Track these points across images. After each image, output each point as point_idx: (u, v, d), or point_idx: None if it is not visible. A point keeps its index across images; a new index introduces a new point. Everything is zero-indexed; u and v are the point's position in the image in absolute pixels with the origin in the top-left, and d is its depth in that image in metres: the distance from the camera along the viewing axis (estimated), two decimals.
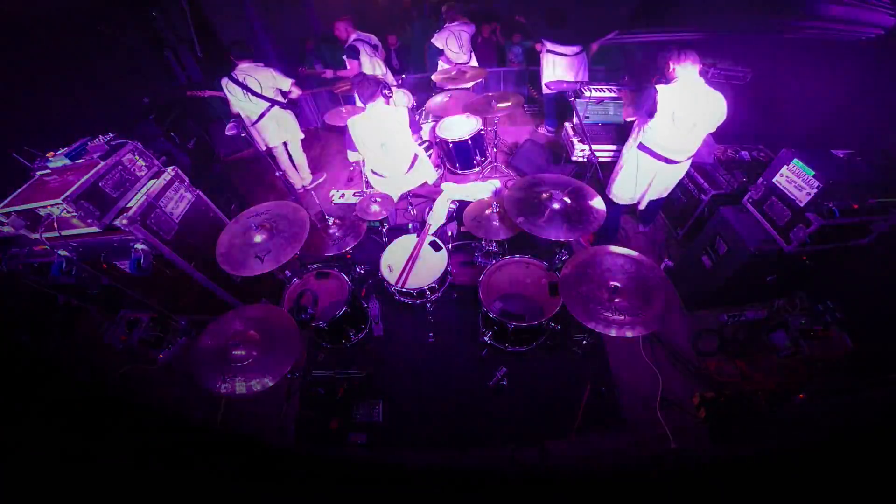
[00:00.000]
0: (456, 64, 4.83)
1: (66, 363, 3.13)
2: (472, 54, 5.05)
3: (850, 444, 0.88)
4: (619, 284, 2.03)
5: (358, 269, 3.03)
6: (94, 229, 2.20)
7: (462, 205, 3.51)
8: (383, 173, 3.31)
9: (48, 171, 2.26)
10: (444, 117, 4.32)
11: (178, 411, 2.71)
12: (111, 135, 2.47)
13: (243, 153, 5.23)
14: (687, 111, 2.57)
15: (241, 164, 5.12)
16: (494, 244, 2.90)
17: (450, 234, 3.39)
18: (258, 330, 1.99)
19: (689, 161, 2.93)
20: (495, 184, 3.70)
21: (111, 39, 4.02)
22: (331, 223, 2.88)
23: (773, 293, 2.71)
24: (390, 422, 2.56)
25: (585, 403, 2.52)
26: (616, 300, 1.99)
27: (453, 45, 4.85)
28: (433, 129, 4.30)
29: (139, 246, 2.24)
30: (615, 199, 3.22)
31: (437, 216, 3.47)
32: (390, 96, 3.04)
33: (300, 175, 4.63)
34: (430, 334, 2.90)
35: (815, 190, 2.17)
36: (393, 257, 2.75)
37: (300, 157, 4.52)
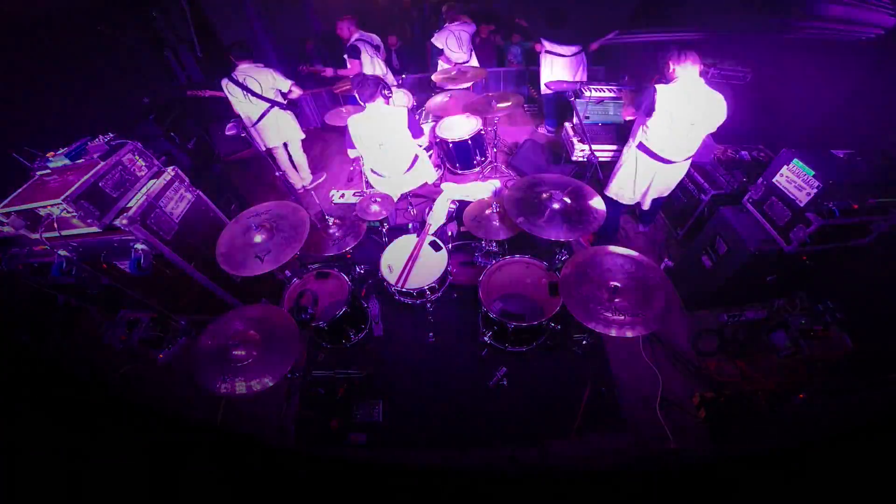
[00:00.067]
0: (456, 63, 4.83)
1: (66, 363, 3.13)
2: (473, 53, 5.05)
3: (850, 444, 0.88)
4: (619, 284, 2.03)
5: (358, 269, 3.03)
6: (94, 229, 2.20)
7: (462, 205, 3.51)
8: (382, 173, 3.31)
9: (48, 171, 2.26)
10: (444, 117, 4.33)
11: (178, 411, 2.71)
12: (111, 135, 2.47)
13: (243, 153, 5.23)
14: (685, 111, 2.57)
15: (241, 164, 5.12)
16: (494, 244, 2.90)
17: (450, 234, 3.39)
18: (258, 330, 1.99)
19: (689, 161, 2.93)
20: (495, 184, 3.70)
21: (111, 39, 4.02)
22: (331, 223, 2.88)
23: (773, 293, 2.71)
24: (390, 422, 2.56)
25: (585, 403, 2.52)
26: (616, 300, 1.99)
27: (453, 45, 4.85)
28: (433, 129, 4.30)
29: (139, 246, 2.24)
30: (614, 198, 3.22)
31: (437, 216, 3.47)
32: (390, 96, 3.03)
33: (300, 175, 4.63)
34: (430, 334, 2.90)
35: (815, 190, 2.17)
36: (393, 257, 2.75)
37: (300, 158, 4.52)
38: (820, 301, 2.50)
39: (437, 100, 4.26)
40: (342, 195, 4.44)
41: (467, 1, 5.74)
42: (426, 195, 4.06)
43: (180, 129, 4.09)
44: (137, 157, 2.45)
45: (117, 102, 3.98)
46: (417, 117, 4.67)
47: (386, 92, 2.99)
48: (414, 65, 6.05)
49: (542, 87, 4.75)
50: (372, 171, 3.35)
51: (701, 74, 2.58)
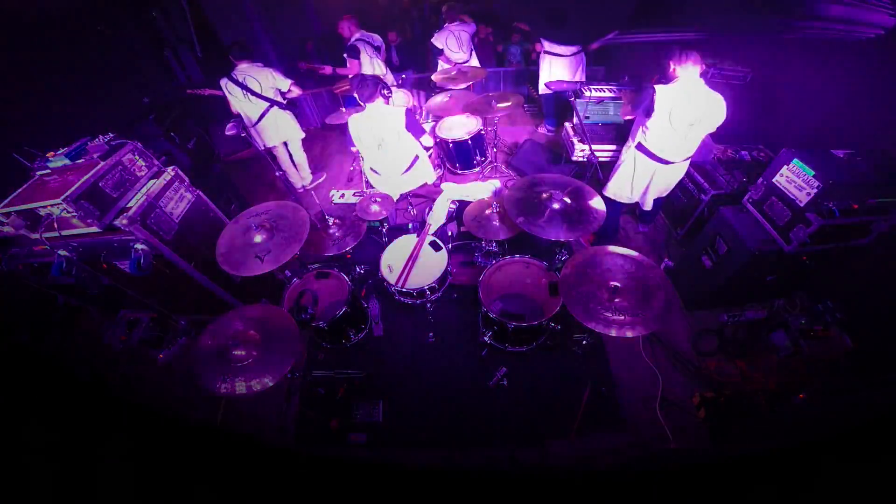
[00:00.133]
0: (456, 63, 4.83)
1: (66, 363, 3.13)
2: (473, 53, 5.05)
3: (850, 444, 0.88)
4: (619, 284, 2.03)
5: (358, 269, 3.03)
6: (94, 229, 2.20)
7: (462, 205, 3.51)
8: (381, 172, 3.32)
9: (48, 171, 2.26)
10: (444, 117, 4.33)
11: (178, 411, 2.71)
12: (111, 135, 2.47)
13: (243, 153, 5.23)
14: (685, 112, 2.57)
15: (241, 164, 5.12)
16: (494, 244, 2.90)
17: (450, 233, 3.39)
18: (258, 330, 1.99)
19: (688, 162, 2.93)
20: (495, 184, 3.70)
21: (111, 39, 4.02)
22: (331, 223, 2.88)
23: (773, 293, 2.71)
24: (390, 421, 2.56)
25: (585, 403, 2.52)
26: (616, 300, 1.99)
27: (453, 45, 4.86)
28: (433, 129, 4.30)
29: (139, 246, 2.24)
30: (613, 197, 3.23)
31: (437, 216, 3.47)
32: (389, 96, 3.04)
33: (300, 175, 4.63)
34: (430, 334, 2.90)
35: (815, 190, 2.17)
36: (393, 257, 2.75)
37: (301, 157, 4.52)
38: (820, 301, 2.50)
39: (437, 100, 4.26)
40: (342, 195, 4.44)
41: (467, 1, 5.74)
42: (426, 195, 4.07)
43: (180, 129, 4.09)
44: (137, 157, 2.45)
45: (117, 102, 3.98)
46: (418, 117, 4.67)
47: (385, 92, 2.99)
48: (414, 62, 6.05)
49: (541, 87, 4.75)
50: (371, 169, 3.36)
51: (701, 75, 2.58)
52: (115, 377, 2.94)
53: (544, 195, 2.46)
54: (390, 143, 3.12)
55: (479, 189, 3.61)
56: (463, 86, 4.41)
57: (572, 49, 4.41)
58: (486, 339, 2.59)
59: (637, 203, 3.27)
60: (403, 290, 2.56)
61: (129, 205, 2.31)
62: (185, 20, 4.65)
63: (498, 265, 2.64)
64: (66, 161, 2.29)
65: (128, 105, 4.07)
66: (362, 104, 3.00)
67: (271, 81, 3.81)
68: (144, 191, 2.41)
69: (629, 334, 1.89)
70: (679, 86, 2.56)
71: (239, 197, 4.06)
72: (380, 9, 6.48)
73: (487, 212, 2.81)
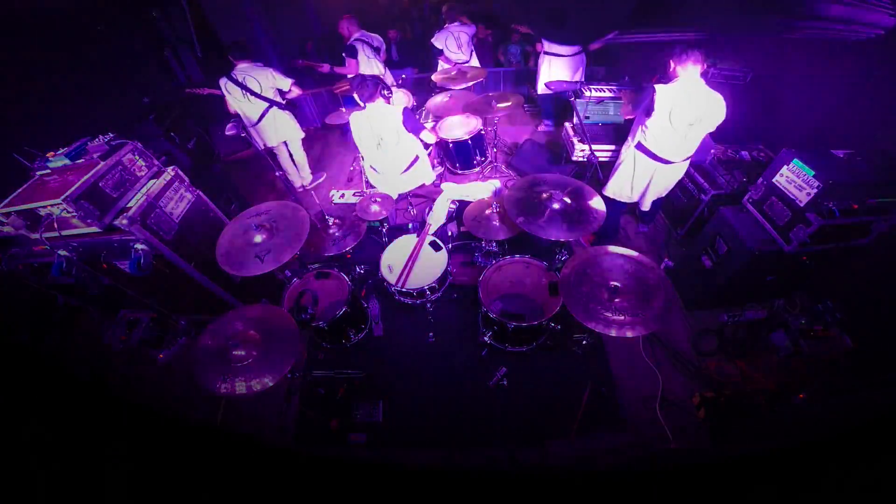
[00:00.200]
0: (456, 63, 4.83)
1: (66, 363, 3.13)
2: (473, 54, 5.05)
3: (850, 444, 0.88)
4: (619, 284, 2.03)
5: (358, 269, 3.03)
6: (94, 229, 2.20)
7: (462, 205, 3.51)
8: (380, 170, 3.32)
9: (48, 171, 2.26)
10: (444, 117, 4.33)
11: (178, 411, 2.71)
12: (111, 135, 2.47)
13: (243, 153, 5.23)
14: (684, 111, 2.57)
15: (241, 164, 5.12)
16: (494, 244, 2.90)
17: (450, 233, 3.39)
18: (258, 330, 1.99)
19: (688, 161, 2.93)
20: (495, 184, 3.70)
21: (111, 39, 4.02)
22: (331, 223, 2.88)
23: (773, 293, 2.71)
24: (390, 422, 2.56)
25: (585, 403, 2.52)
26: (616, 300, 1.99)
27: (452, 46, 4.86)
28: (433, 128, 4.30)
29: (139, 246, 2.24)
30: (613, 197, 3.23)
31: (437, 216, 3.47)
32: (390, 96, 3.04)
33: (301, 174, 4.63)
34: (430, 334, 2.90)
35: (815, 190, 2.17)
36: (393, 257, 2.75)
37: (301, 157, 4.52)
38: (820, 301, 2.50)
39: (437, 100, 4.26)
40: (342, 195, 4.44)
41: (467, 1, 5.74)
42: (426, 195, 4.07)
43: (180, 129, 4.10)
44: (137, 157, 2.45)
45: (117, 102, 3.98)
46: (418, 117, 4.67)
47: (385, 92, 3.00)
48: (414, 60, 6.04)
49: (540, 87, 4.76)
50: (371, 167, 3.36)
51: (702, 75, 2.58)
52: (115, 377, 2.94)
53: (544, 195, 2.46)
54: (389, 143, 3.12)
55: (479, 189, 3.61)
56: (463, 86, 4.41)
57: (573, 49, 4.41)
58: (486, 339, 2.59)
59: (636, 202, 3.27)
60: (403, 290, 2.56)
61: (129, 205, 2.31)
62: (185, 20, 4.66)
63: (498, 265, 2.64)
64: (66, 161, 2.29)
65: (128, 105, 4.07)
66: (361, 104, 3.00)
67: (271, 81, 3.80)
68: (144, 191, 2.41)
69: (629, 334, 1.88)
70: (679, 85, 2.56)
71: (239, 197, 4.06)
72: (380, 8, 6.49)
73: (487, 212, 2.81)
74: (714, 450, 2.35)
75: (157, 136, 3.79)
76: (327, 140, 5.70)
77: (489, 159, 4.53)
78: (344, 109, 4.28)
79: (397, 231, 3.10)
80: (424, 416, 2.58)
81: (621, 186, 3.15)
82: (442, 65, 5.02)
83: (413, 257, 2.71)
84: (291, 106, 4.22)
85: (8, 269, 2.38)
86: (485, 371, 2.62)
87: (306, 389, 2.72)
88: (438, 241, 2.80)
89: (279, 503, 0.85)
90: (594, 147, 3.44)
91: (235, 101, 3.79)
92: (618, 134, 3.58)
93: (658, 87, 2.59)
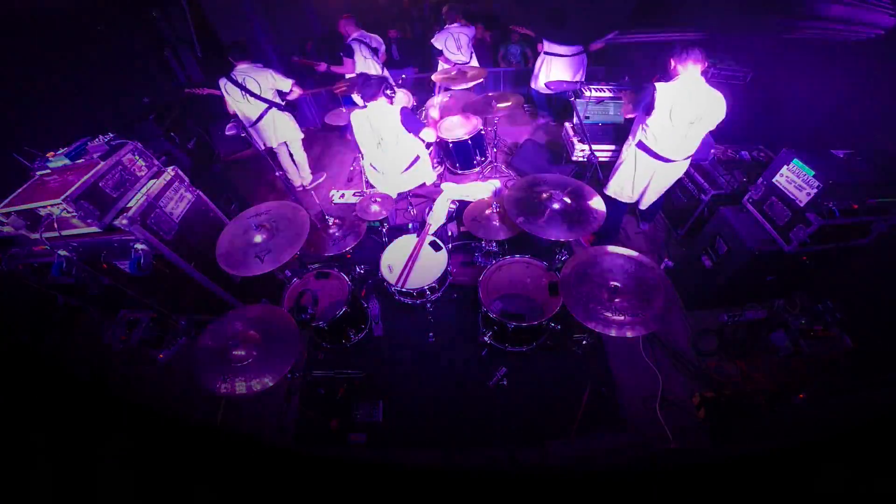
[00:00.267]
0: (455, 64, 4.83)
1: (66, 363, 3.13)
2: (473, 55, 5.05)
3: (850, 444, 0.88)
4: (619, 284, 2.03)
5: (358, 269, 3.03)
6: (94, 229, 2.20)
7: (462, 205, 3.51)
8: (380, 169, 3.32)
9: (48, 171, 2.26)
10: (444, 117, 4.32)
11: (178, 411, 2.71)
12: (111, 135, 2.47)
13: (243, 153, 5.23)
14: (685, 109, 2.57)
15: (241, 164, 5.12)
16: (494, 244, 2.90)
17: (450, 233, 3.39)
18: (258, 330, 1.99)
19: (689, 161, 2.93)
20: (495, 184, 3.70)
21: (111, 39, 4.02)
22: (331, 223, 2.88)
23: (773, 293, 2.71)
24: (390, 421, 2.56)
25: (585, 403, 2.52)
26: (616, 300, 1.99)
27: (451, 47, 4.86)
28: (434, 123, 4.30)
29: (139, 246, 2.24)
30: (614, 196, 3.23)
31: (437, 216, 3.47)
32: (393, 96, 3.04)
33: (301, 174, 4.63)
34: (430, 334, 2.90)
35: (815, 190, 2.17)
36: (393, 257, 2.75)
37: (301, 157, 4.52)
38: (820, 301, 2.50)
39: (437, 100, 4.26)
40: (342, 195, 4.44)
41: (467, 2, 5.74)
42: (426, 195, 4.06)
43: (180, 129, 4.10)
44: (137, 157, 2.45)
45: (117, 102, 3.98)
46: (419, 117, 4.67)
47: (389, 92, 2.99)
48: (414, 59, 6.04)
49: (536, 85, 4.78)
50: (371, 166, 3.36)
51: (702, 74, 2.58)
52: (115, 377, 2.94)
53: (544, 195, 2.46)
54: (389, 142, 3.12)
55: (479, 189, 3.61)
56: (463, 86, 4.42)
57: (573, 50, 4.41)
58: (486, 339, 2.59)
59: (636, 201, 3.27)
60: (403, 290, 2.55)
61: (129, 205, 2.31)
62: (185, 20, 4.65)
63: (498, 265, 2.64)
64: (66, 161, 2.29)
65: (128, 105, 4.07)
66: (363, 103, 3.00)
67: (271, 83, 3.80)
68: (144, 191, 2.41)
69: (629, 334, 1.88)
70: (680, 83, 2.56)
71: (239, 197, 4.06)
72: (380, 8, 6.49)
73: (487, 212, 2.81)
74: (714, 450, 2.35)
75: (157, 136, 3.80)
76: (327, 140, 5.70)
77: (489, 159, 4.53)
78: (344, 109, 4.27)
79: (397, 231, 3.10)
80: (424, 416, 2.58)
81: (622, 186, 3.15)
82: (442, 65, 5.03)
83: (413, 257, 2.71)
84: (291, 107, 4.22)
85: (8, 269, 2.38)
86: (485, 371, 2.62)
87: (306, 389, 2.72)
88: (438, 241, 2.80)
89: (279, 503, 0.85)
90: (594, 147, 3.44)
91: (234, 101, 3.79)
92: (618, 134, 3.59)
93: (658, 85, 2.59)
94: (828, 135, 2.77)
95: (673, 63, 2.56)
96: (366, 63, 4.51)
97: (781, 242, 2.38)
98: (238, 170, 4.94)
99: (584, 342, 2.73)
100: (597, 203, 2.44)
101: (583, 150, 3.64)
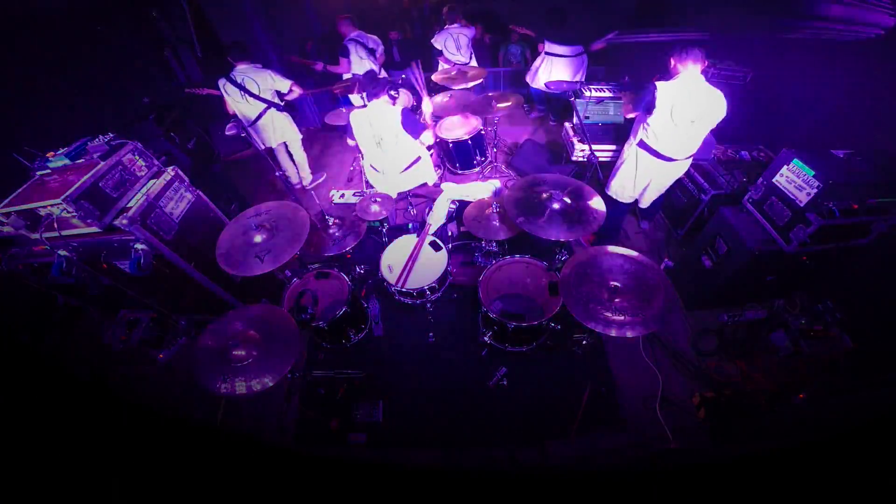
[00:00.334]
0: (455, 64, 4.83)
1: (66, 363, 3.13)
2: (473, 55, 5.05)
3: (850, 444, 0.88)
4: (619, 284, 2.03)
5: (358, 269, 3.03)
6: (94, 229, 2.20)
7: (462, 205, 3.51)
8: (380, 169, 3.32)
9: (48, 171, 2.26)
10: (444, 117, 4.32)
11: (178, 411, 2.71)
12: (111, 135, 2.46)
13: (243, 153, 5.23)
14: (686, 108, 2.57)
15: (241, 164, 5.12)
16: (494, 244, 2.90)
17: (450, 233, 3.39)
18: (258, 330, 1.99)
19: (690, 160, 2.93)
20: (495, 184, 3.70)
21: (111, 39, 4.02)
22: (331, 223, 2.88)
23: (773, 293, 2.71)
24: (390, 422, 2.56)
25: (585, 403, 2.52)
26: (616, 300, 1.99)
27: (451, 48, 4.86)
28: (434, 123, 4.29)
29: (139, 246, 2.24)
30: (615, 197, 3.23)
31: (437, 216, 3.47)
32: (396, 97, 3.03)
33: (301, 174, 4.63)
34: (430, 334, 2.90)
35: (815, 190, 2.17)
36: (393, 257, 2.75)
37: (301, 157, 4.53)
38: (820, 301, 2.50)
39: (437, 100, 4.25)
40: (342, 195, 4.44)
41: (467, 2, 5.74)
42: (426, 195, 4.06)
43: (180, 129, 4.09)
44: (137, 157, 2.45)
45: (117, 102, 3.98)
46: (419, 117, 4.67)
47: (393, 92, 2.99)
48: (415, 59, 6.04)
49: (534, 83, 4.78)
50: (371, 166, 3.36)
51: (702, 73, 2.58)
52: (115, 377, 2.94)
53: (544, 195, 2.46)
54: (388, 142, 3.12)
55: (479, 189, 3.61)
56: (463, 86, 4.42)
57: (574, 50, 4.41)
58: (486, 339, 2.59)
59: (636, 200, 3.27)
60: (403, 290, 2.55)
61: (129, 205, 2.31)
62: (185, 20, 4.65)
63: (498, 265, 2.64)
64: (66, 161, 2.29)
65: (128, 105, 4.06)
66: (362, 103, 2.99)
67: (270, 83, 3.80)
68: (144, 191, 2.41)
69: (629, 334, 1.88)
70: (680, 82, 2.56)
71: (239, 197, 4.06)
72: (380, 9, 6.48)
73: (487, 212, 2.81)
74: (714, 450, 2.36)
75: (157, 136, 3.79)
76: (327, 140, 5.70)
77: (489, 159, 4.53)
78: (343, 109, 4.27)
79: (397, 231, 3.10)
80: (424, 416, 2.58)
81: (623, 185, 3.15)
82: (442, 65, 5.03)
83: (413, 257, 2.71)
84: (290, 108, 4.22)
85: (8, 269, 2.38)
86: (485, 371, 2.62)
87: (306, 389, 2.72)
88: (438, 241, 2.80)
89: (279, 503, 0.85)
90: (594, 147, 3.44)
91: (233, 101, 3.79)
92: (618, 134, 3.58)
93: (659, 84, 2.59)
94: (828, 135, 2.77)
95: (673, 62, 2.56)
96: (362, 63, 4.52)
97: (781, 242, 2.38)
98: (238, 170, 4.94)
99: (584, 342, 2.73)
100: (597, 203, 2.44)
101: (583, 150, 3.64)
